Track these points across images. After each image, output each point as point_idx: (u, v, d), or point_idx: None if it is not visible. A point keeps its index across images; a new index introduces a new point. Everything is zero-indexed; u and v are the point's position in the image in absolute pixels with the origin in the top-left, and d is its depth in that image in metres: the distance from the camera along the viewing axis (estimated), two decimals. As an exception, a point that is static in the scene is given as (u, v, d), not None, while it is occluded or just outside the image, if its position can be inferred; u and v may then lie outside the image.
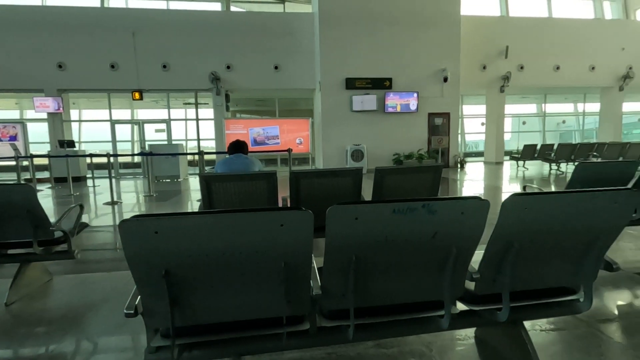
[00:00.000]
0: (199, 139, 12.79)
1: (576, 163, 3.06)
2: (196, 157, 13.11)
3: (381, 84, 11.61)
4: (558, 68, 13.42)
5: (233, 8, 12.99)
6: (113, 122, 12.20)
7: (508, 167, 12.37)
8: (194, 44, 11.38)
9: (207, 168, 7.99)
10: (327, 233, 1.12)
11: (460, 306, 1.47)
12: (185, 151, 12.21)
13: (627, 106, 15.86)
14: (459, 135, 13.78)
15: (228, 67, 11.61)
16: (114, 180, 8.31)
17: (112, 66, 11.18)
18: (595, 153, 9.94)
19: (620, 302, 2.32)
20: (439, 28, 11.59)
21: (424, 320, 1.41)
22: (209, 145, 13.64)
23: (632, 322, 2.02)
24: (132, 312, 1.11)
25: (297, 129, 12.14)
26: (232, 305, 1.19)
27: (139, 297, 1.14)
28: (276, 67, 11.81)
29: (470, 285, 1.41)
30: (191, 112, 14.10)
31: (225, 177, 2.41)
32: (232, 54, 11.60)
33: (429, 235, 1.19)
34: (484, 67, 12.98)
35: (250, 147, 12.04)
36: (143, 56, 11.22)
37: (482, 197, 1.15)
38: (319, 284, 1.26)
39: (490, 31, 12.88)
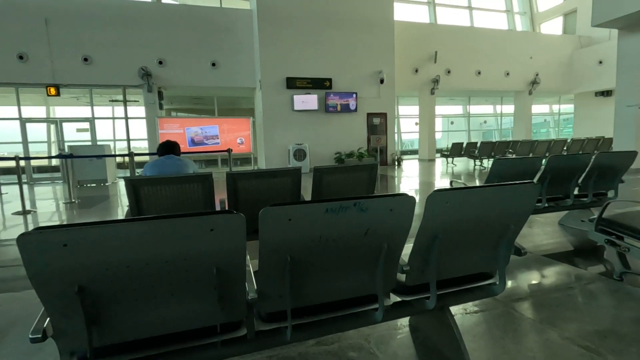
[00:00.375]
0: (129, 139, 11.84)
1: (495, 159, 3.40)
2: (127, 159, 12.11)
3: (322, 84, 11.78)
4: (479, 73, 14.79)
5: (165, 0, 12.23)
6: (24, 121, 10.76)
7: (440, 163, 13.34)
8: (120, 36, 10.48)
9: (138, 171, 7.42)
10: (261, 236, 1.10)
11: (394, 298, 1.54)
12: (113, 152, 11.21)
13: (535, 108, 18.03)
14: (396, 134, 14.54)
15: (160, 63, 10.90)
16: (26, 186, 7.35)
17: (21, 57, 9.85)
18: (510, 150, 11.15)
19: (529, 282, 2.62)
20: (375, 32, 12.08)
21: (360, 315, 1.45)
22: (142, 145, 12.69)
23: (539, 299, 2.30)
24: (40, 336, 0.99)
25: (237, 129, 11.83)
26: (160, 318, 1.11)
27: (48, 318, 1.02)
28: (213, 64, 11.37)
29: (402, 277, 1.49)
30: (119, 110, 12.98)
31: (155, 181, 2.25)
32: (165, 49, 10.91)
33: (362, 232, 1.23)
34: (416, 71, 13.82)
35: (188, 148, 11.44)
36: (59, 47, 10.05)
37: (411, 193, 1.21)
38: (255, 287, 1.24)
39: (421, 37, 13.75)
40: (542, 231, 3.91)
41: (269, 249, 1.14)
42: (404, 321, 2.04)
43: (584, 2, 14.77)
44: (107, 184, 9.74)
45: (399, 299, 1.53)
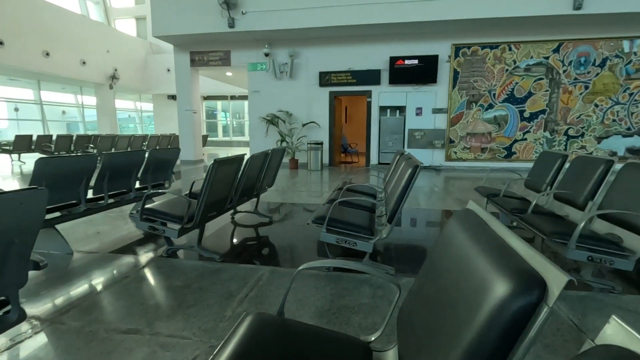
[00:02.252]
0: None
1: (38, 158, 2.94)
2: None
3: None
4: (48, 54, 12.72)
5: None
6: None
7: (5, 161, 10.29)
8: None
9: None
10: None
11: None
12: None
13: (121, 104, 18.35)
14: None
15: None
16: None
17: None
18: (92, 145, 10.60)
19: (81, 287, 2.55)
20: None
21: None
22: None
23: (87, 302, 2.28)
24: None
25: None
26: None
27: None
28: None
29: None
30: None
31: None
32: None
33: None
34: (-61, 29, 9.61)
35: None
36: None
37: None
38: None
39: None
40: (113, 227, 3.98)
41: None
42: None
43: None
44: None
45: None
